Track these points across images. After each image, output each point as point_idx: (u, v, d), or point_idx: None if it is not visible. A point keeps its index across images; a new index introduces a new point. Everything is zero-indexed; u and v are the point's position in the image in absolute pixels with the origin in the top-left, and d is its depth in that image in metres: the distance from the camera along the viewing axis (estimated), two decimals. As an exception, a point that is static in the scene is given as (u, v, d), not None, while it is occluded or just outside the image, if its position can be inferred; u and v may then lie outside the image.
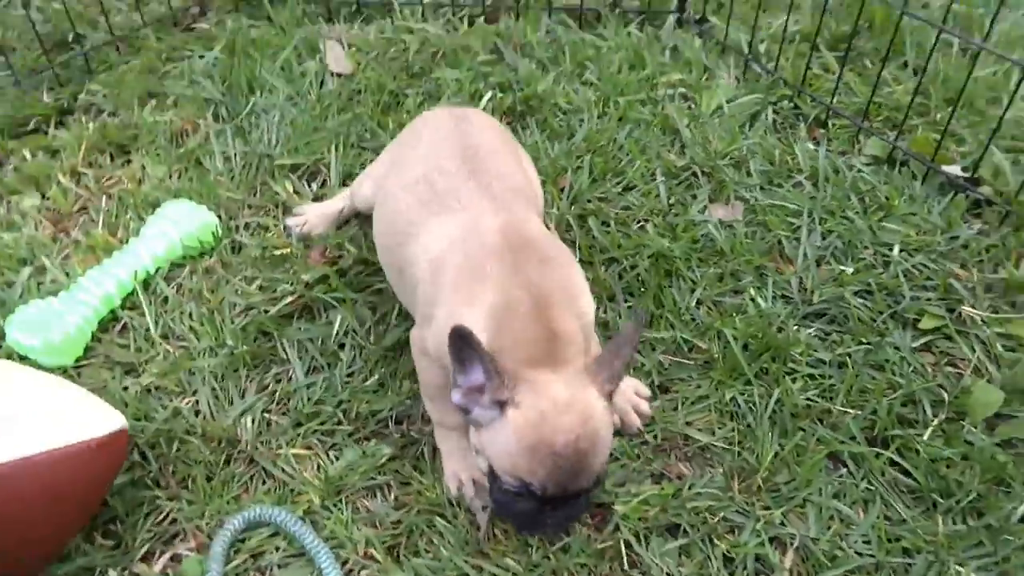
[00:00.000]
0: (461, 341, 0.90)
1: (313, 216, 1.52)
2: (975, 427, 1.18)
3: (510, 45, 1.99)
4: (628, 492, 1.13)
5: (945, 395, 1.22)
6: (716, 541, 1.08)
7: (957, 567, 1.03)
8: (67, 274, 1.43)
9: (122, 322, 1.37)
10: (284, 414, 1.25)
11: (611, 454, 1.16)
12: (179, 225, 1.46)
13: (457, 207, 1.12)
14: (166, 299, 1.40)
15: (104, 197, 1.59)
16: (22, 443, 0.93)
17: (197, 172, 1.65)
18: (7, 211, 1.56)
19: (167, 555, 1.09)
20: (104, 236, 1.50)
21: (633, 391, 1.22)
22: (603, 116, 1.76)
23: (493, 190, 1.13)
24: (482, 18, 2.08)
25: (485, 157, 1.19)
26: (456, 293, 1.03)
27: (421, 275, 1.11)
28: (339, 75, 1.91)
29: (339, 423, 1.23)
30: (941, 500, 1.11)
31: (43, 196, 1.60)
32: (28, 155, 1.67)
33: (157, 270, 1.43)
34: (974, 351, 1.28)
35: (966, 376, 1.25)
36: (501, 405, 0.93)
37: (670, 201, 1.56)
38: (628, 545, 1.08)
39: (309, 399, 1.25)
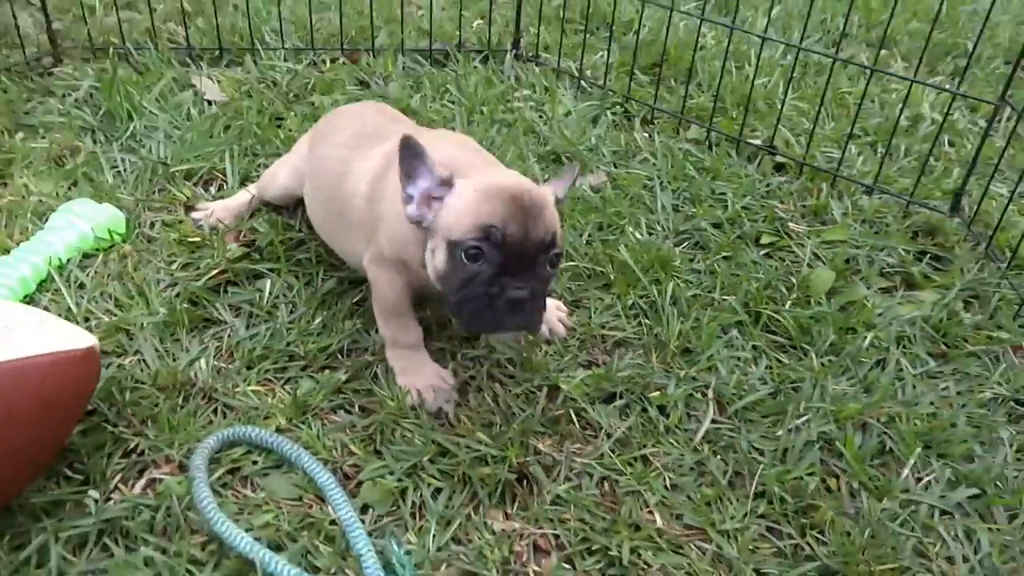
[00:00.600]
0: (408, 151, 1.08)
1: (219, 209, 1.59)
2: (820, 299, 1.48)
3: (374, 76, 2.20)
4: (567, 375, 1.29)
5: (793, 280, 1.52)
6: (648, 397, 1.26)
7: (833, 386, 1.29)
8: (-31, 268, 1.39)
9: (42, 304, 1.35)
10: (232, 361, 1.29)
11: (548, 341, 1.33)
12: (87, 218, 1.48)
13: (387, 138, 1.28)
14: (83, 284, 1.40)
15: (-8, 207, 1.56)
16: (21, 346, 0.95)
17: (89, 183, 1.66)
18: None
19: (141, 482, 1.09)
20: (2, 237, 1.47)
21: (555, 307, 1.41)
22: (471, 122, 2.00)
23: (415, 130, 1.32)
24: (343, 59, 2.28)
25: (406, 121, 1.38)
26: (397, 196, 1.16)
27: (360, 201, 1.26)
28: (215, 103, 2.01)
29: (290, 360, 1.29)
30: (809, 347, 1.38)
31: (-81, 212, 1.54)
32: None
33: (69, 259, 1.43)
34: (805, 252, 1.60)
35: (803, 268, 1.57)
36: (450, 184, 1.11)
37: (545, 177, 1.80)
38: (577, 413, 1.24)
39: (255, 346, 1.31)
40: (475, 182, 1.11)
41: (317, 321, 1.36)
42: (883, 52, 2.63)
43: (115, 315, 1.34)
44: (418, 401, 1.23)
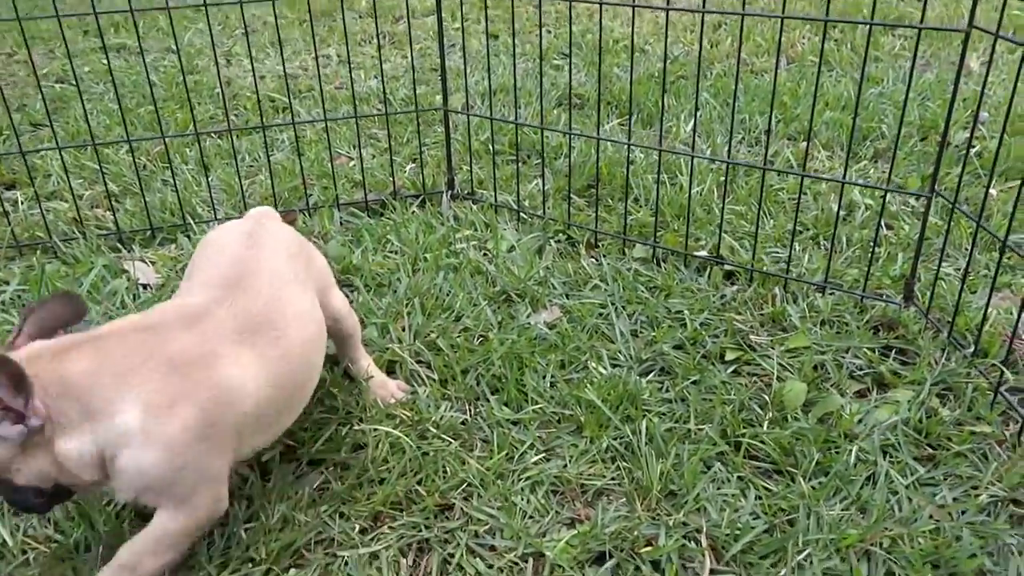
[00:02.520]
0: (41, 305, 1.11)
1: None
2: (796, 414, 1.44)
3: (313, 236, 2.17)
4: (551, 538, 1.21)
5: (766, 398, 1.48)
6: (639, 553, 1.18)
7: (828, 512, 1.23)
8: None
9: (-31, 543, 1.23)
10: (191, 573, 1.18)
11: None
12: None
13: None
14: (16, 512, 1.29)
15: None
16: None
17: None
18: None
19: None
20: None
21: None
22: (416, 271, 1.97)
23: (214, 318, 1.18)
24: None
25: (256, 282, 1.25)
26: None
27: None
28: (150, 286, 1.95)
29: (253, 564, 1.19)
30: (795, 470, 1.33)
31: None
32: None
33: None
34: (772, 365, 1.57)
35: (773, 382, 1.53)
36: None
37: (498, 319, 1.76)
38: (568, 583, 1.15)
39: (212, 556, 1.20)
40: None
41: (276, 516, 1.26)
42: (804, 144, 2.73)
43: (56, 542, 1.22)
44: None
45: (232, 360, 1.13)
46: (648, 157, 2.60)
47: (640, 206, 2.32)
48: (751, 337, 1.67)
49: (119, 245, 2.13)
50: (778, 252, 2.02)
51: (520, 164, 2.61)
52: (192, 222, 2.20)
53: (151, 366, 1.06)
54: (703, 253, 2.00)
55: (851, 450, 1.34)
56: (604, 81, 3.48)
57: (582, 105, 3.19)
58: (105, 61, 3.58)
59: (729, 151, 1.98)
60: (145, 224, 2.19)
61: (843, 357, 1.59)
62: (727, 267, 1.93)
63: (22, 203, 2.36)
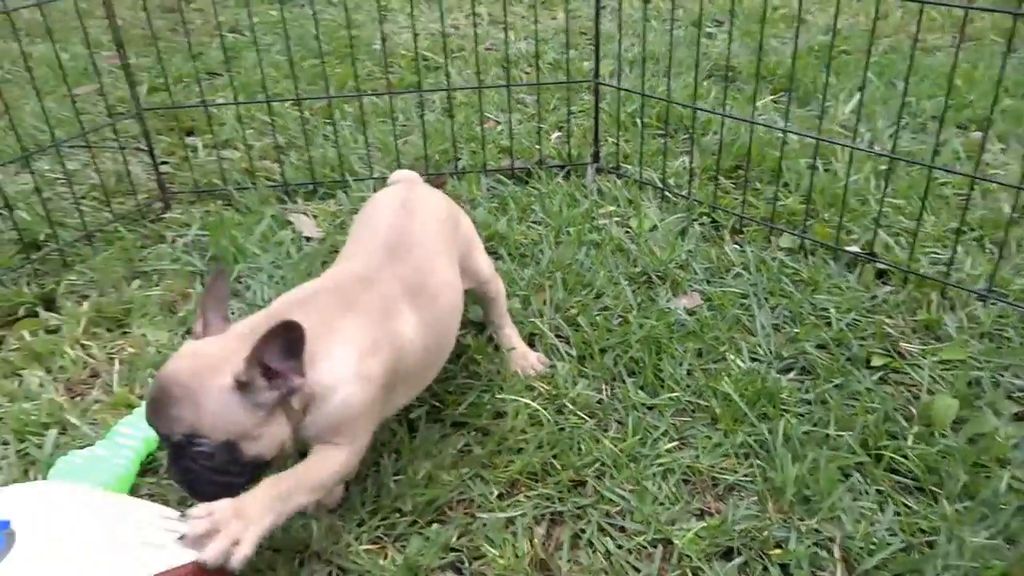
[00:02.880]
0: (215, 277, 1.15)
1: None
2: (944, 431, 1.39)
3: (460, 201, 2.25)
4: (680, 527, 1.25)
5: (913, 410, 1.44)
6: (768, 554, 1.20)
7: (971, 538, 1.20)
8: (96, 429, 1.46)
9: (162, 463, 1.40)
10: (344, 518, 1.30)
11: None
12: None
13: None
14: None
15: (115, 362, 1.64)
16: (156, 560, 0.95)
17: (199, 331, 1.74)
18: (18, 385, 1.58)
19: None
20: (124, 392, 1.54)
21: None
22: (559, 244, 2.01)
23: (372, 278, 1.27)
24: (428, 184, 2.35)
25: (412, 250, 1.33)
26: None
27: None
28: (312, 239, 2.09)
29: (400, 515, 1.29)
30: (939, 490, 1.30)
31: (48, 370, 1.63)
32: (26, 335, 1.71)
33: (185, 415, 1.48)
34: (923, 376, 1.52)
35: (922, 395, 1.49)
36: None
37: (638, 300, 1.79)
38: (694, 573, 1.19)
39: (364, 501, 1.31)
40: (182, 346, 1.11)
41: (422, 473, 1.36)
42: (977, 134, 2.55)
43: (229, 474, 1.37)
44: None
45: (404, 317, 1.23)
46: (803, 141, 2.51)
47: (790, 192, 2.26)
48: (901, 344, 1.61)
49: (284, 197, 2.29)
50: (938, 253, 1.92)
51: (667, 138, 2.58)
52: (350, 179, 2.33)
53: (351, 317, 1.17)
54: (855, 248, 1.93)
55: (1003, 476, 1.29)
56: (760, 53, 3.35)
57: (734, 78, 3.10)
58: (274, 12, 3.78)
59: (895, 146, 1.89)
60: (308, 178, 2.33)
61: (1002, 375, 1.52)
62: (880, 265, 1.87)
63: (201, 150, 2.57)
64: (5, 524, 0.89)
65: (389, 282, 1.26)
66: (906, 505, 1.28)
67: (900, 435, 1.40)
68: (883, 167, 2.28)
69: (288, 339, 1.03)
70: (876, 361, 1.58)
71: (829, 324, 1.69)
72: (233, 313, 1.78)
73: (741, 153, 2.39)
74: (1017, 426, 1.40)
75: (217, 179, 2.34)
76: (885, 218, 2.09)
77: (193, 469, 1.06)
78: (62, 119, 2.67)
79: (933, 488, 1.30)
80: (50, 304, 1.84)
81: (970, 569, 1.15)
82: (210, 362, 1.05)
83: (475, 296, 1.60)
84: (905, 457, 1.34)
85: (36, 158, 2.45)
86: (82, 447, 1.39)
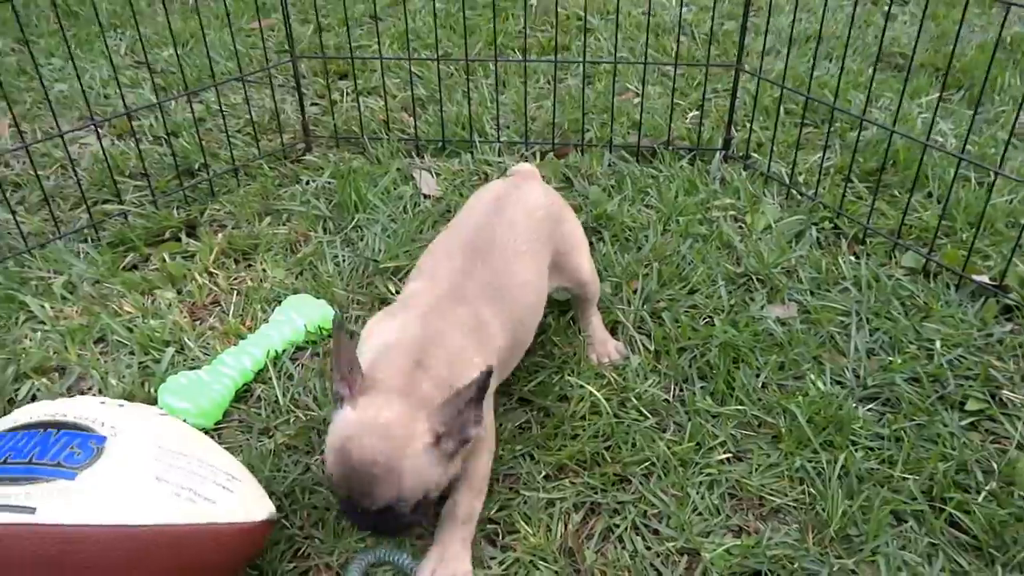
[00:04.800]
0: (338, 332, 1.10)
1: None
2: (1023, 494, 1.30)
3: (578, 175, 2.27)
4: (713, 542, 1.26)
5: (994, 465, 1.36)
6: (796, 585, 1.19)
7: (1020, 611, 1.14)
8: (206, 353, 1.64)
9: (255, 393, 1.56)
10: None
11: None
12: (302, 313, 1.69)
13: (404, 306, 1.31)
14: (291, 375, 1.60)
15: (234, 293, 1.83)
16: (197, 510, 1.05)
17: (312, 274, 1.89)
18: (151, 302, 1.80)
19: (303, 586, 1.23)
20: (236, 323, 1.72)
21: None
22: (665, 232, 2.00)
23: (445, 288, 1.30)
24: (552, 154, 2.38)
25: (489, 259, 1.35)
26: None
27: None
28: (430, 197, 2.19)
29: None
30: (998, 554, 1.23)
31: (179, 292, 1.84)
32: (166, 257, 1.93)
33: (284, 351, 1.64)
34: (1016, 429, 1.42)
35: (1011, 450, 1.39)
36: (340, 400, 1.12)
37: (731, 302, 1.76)
38: (716, 588, 1.20)
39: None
40: (345, 422, 1.10)
41: (479, 442, 1.44)
42: None
43: (311, 411, 1.51)
44: None
45: (490, 325, 1.29)
46: (959, 144, 2.31)
47: (931, 203, 2.11)
48: (1004, 391, 1.50)
49: (415, 151, 2.40)
50: (1082, 296, 1.75)
51: (809, 130, 2.46)
52: (478, 140, 2.40)
53: (471, 344, 1.23)
54: (983, 278, 1.79)
55: (1076, 555, 1.20)
56: (937, 42, 3.09)
57: (903, 67, 2.87)
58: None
59: (1048, 172, 1.71)
60: (439, 135, 2.42)
61: (1110, 446, 1.39)
62: (1008, 301, 1.72)
63: (346, 96, 2.72)
64: (101, 439, 1.05)
65: (472, 291, 1.31)
66: (957, 563, 1.22)
67: (972, 489, 1.32)
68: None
69: (481, 388, 1.08)
70: (971, 405, 1.48)
71: (931, 357, 1.59)
72: (344, 261, 1.92)
73: (890, 155, 2.24)
74: (1111, 504, 1.29)
75: (357, 127, 2.47)
76: (1030, 247, 1.91)
77: (387, 522, 1.13)
78: (240, 51, 2.90)
79: (992, 551, 1.23)
80: (192, 230, 2.06)
81: (1005, 646, 1.10)
82: (402, 434, 1.08)
83: (571, 293, 1.62)
84: (969, 513, 1.27)
85: (207, 89, 2.69)
86: (191, 368, 1.57)
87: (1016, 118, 1.74)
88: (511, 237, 1.40)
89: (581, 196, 2.16)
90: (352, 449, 1.07)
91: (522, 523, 1.30)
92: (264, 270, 1.91)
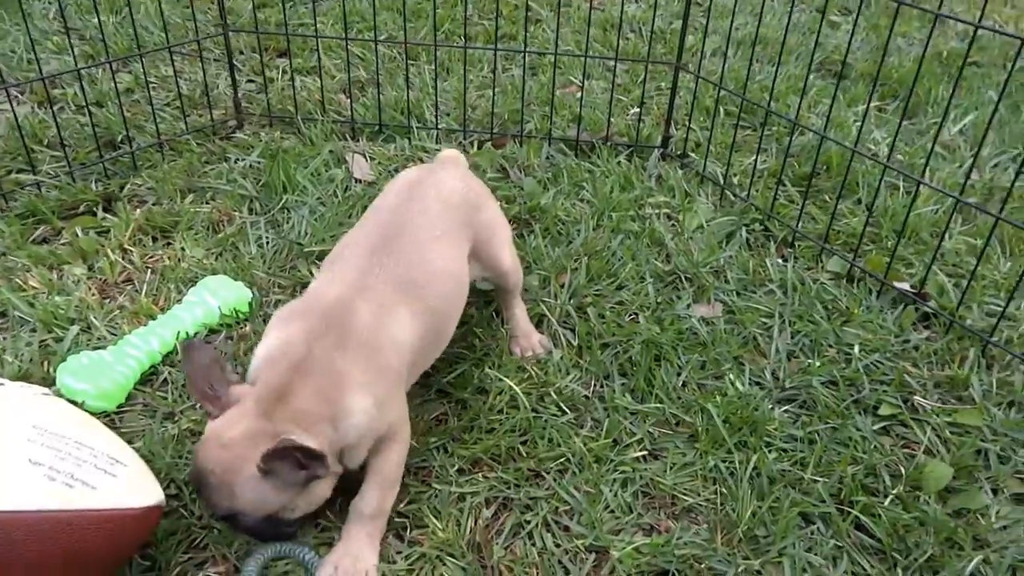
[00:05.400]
0: (190, 352, 1.14)
1: None
2: (929, 498, 1.32)
3: (515, 166, 2.24)
4: (623, 540, 1.25)
5: (902, 469, 1.38)
6: (702, 585, 1.19)
7: (916, 614, 1.15)
8: (113, 333, 1.57)
9: (162, 376, 1.50)
10: (308, 463, 1.36)
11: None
12: (218, 295, 1.62)
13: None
14: (202, 360, 1.53)
15: (148, 271, 1.75)
16: (79, 495, 1.00)
17: (233, 255, 1.82)
18: (59, 278, 1.71)
19: (198, 577, 1.18)
20: (148, 303, 1.65)
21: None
22: (598, 227, 1.98)
23: (354, 269, 1.27)
24: (490, 143, 2.35)
25: (397, 236, 1.32)
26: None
27: None
28: (362, 181, 2.14)
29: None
30: (900, 558, 1.24)
31: (90, 268, 1.76)
32: (79, 232, 1.84)
33: (196, 333, 1.58)
34: (926, 434, 1.44)
35: (919, 455, 1.41)
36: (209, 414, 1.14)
37: (658, 300, 1.75)
38: (623, 587, 1.19)
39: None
40: (211, 421, 1.13)
41: (393, 434, 1.40)
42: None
43: (219, 398, 1.45)
44: None
45: (398, 317, 1.24)
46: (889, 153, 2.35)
47: (860, 210, 2.14)
48: (916, 397, 1.53)
49: (350, 134, 2.34)
50: (997, 305, 1.79)
51: (745, 131, 2.48)
52: (416, 126, 2.35)
53: (351, 357, 1.17)
54: (904, 285, 1.82)
55: (974, 558, 1.22)
56: (876, 52, 3.14)
57: (844, 75, 2.91)
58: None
59: (964, 185, 1.74)
60: (376, 119, 2.37)
61: (1016, 451, 1.42)
62: (926, 308, 1.76)
63: (283, 75, 2.64)
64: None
65: (377, 284, 1.25)
66: (859, 566, 1.23)
67: (880, 492, 1.34)
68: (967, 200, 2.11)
69: (295, 459, 1.08)
70: (884, 410, 1.50)
71: (849, 361, 1.61)
72: (268, 243, 1.86)
73: (823, 160, 2.27)
74: (1013, 508, 1.32)
75: (291, 106, 2.40)
76: (954, 256, 1.95)
77: (246, 527, 1.15)
78: (174, 23, 2.79)
79: (895, 554, 1.24)
80: (109, 205, 1.97)
81: (899, 648, 1.11)
82: (236, 452, 1.08)
83: (492, 282, 1.59)
84: (876, 516, 1.29)
85: (135, 59, 2.58)
86: (95, 349, 1.50)
87: (939, 129, 1.77)
88: (424, 223, 1.36)
89: (516, 187, 2.13)
90: (197, 454, 1.10)
91: (431, 517, 1.27)
92: (183, 249, 1.84)
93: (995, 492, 1.35)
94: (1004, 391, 1.55)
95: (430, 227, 1.36)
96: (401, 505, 1.29)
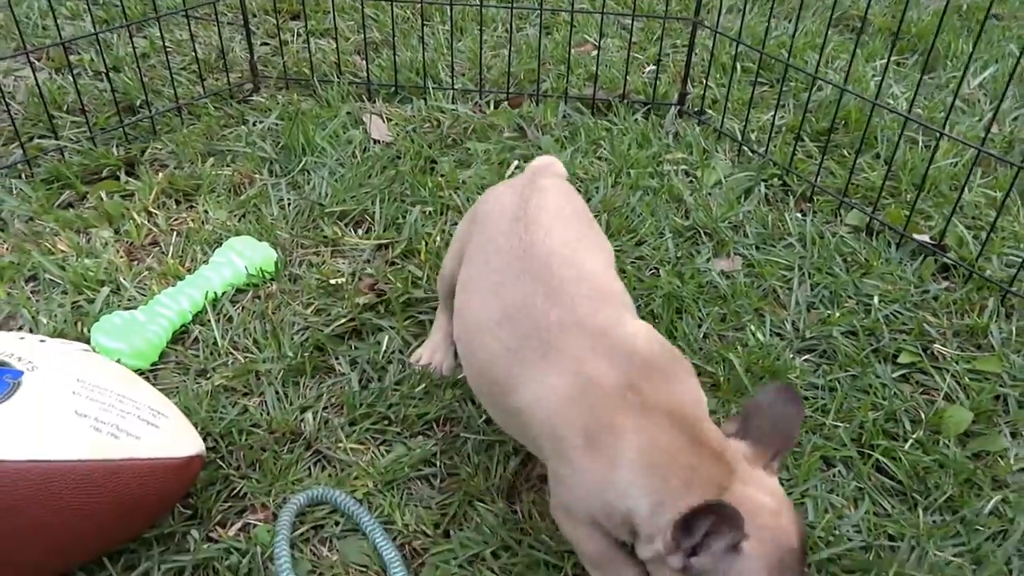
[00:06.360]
0: (692, 520, 0.88)
1: (428, 356, 1.47)
2: (948, 441, 1.35)
3: (532, 125, 2.25)
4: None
5: (922, 415, 1.40)
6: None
7: (936, 552, 1.18)
8: (142, 293, 1.60)
9: (193, 335, 1.53)
10: (340, 415, 1.40)
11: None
12: (244, 255, 1.65)
13: (552, 352, 1.04)
14: (231, 317, 1.57)
15: (174, 234, 1.78)
16: (123, 445, 1.03)
17: (255, 216, 1.84)
18: (87, 241, 1.74)
19: (238, 524, 1.21)
20: (175, 264, 1.67)
21: None
22: (616, 184, 1.99)
23: (579, 313, 1.06)
24: (506, 103, 2.35)
25: (558, 269, 1.11)
26: (593, 455, 0.98)
27: (539, 429, 1.04)
28: (380, 142, 2.15)
29: (389, 423, 1.38)
30: (920, 498, 1.27)
31: (116, 231, 1.78)
32: (104, 196, 1.87)
33: (224, 293, 1.60)
34: (945, 381, 1.46)
35: (939, 401, 1.43)
36: (738, 550, 0.90)
37: (678, 255, 1.77)
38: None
39: (362, 403, 1.40)
40: (762, 543, 0.90)
41: (421, 386, 1.43)
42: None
43: (251, 354, 1.49)
44: None
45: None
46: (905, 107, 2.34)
47: (879, 164, 2.14)
48: (936, 345, 1.54)
49: (366, 96, 2.34)
50: (1017, 256, 1.79)
51: (763, 88, 2.46)
52: (431, 87, 2.35)
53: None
54: (924, 237, 1.83)
55: (992, 498, 1.25)
56: (895, 6, 3.10)
57: (862, 30, 2.88)
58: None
59: (984, 138, 1.74)
60: (392, 80, 2.37)
61: (1032, 398, 1.44)
62: (946, 260, 1.76)
63: (297, 37, 2.63)
64: (17, 374, 1.02)
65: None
66: (882, 507, 1.26)
67: (899, 437, 1.36)
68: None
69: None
70: (903, 358, 1.52)
71: (868, 311, 1.63)
72: (289, 204, 1.88)
73: (842, 115, 2.26)
74: (1029, 452, 1.34)
75: (307, 68, 2.40)
76: (973, 209, 1.96)
77: None
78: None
79: (915, 495, 1.27)
80: (132, 169, 1.99)
81: (921, 583, 1.14)
82: None
83: None
84: (896, 459, 1.31)
85: (151, 24, 2.58)
86: (126, 309, 1.53)
87: (959, 83, 1.76)
88: (555, 247, 1.16)
89: (534, 146, 2.14)
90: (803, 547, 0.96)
91: (462, 465, 1.31)
92: (206, 211, 1.86)
93: (1013, 436, 1.37)
94: (1023, 339, 1.56)
95: (580, 240, 1.20)
96: (432, 454, 1.32)
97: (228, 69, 2.35)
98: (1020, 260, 1.69)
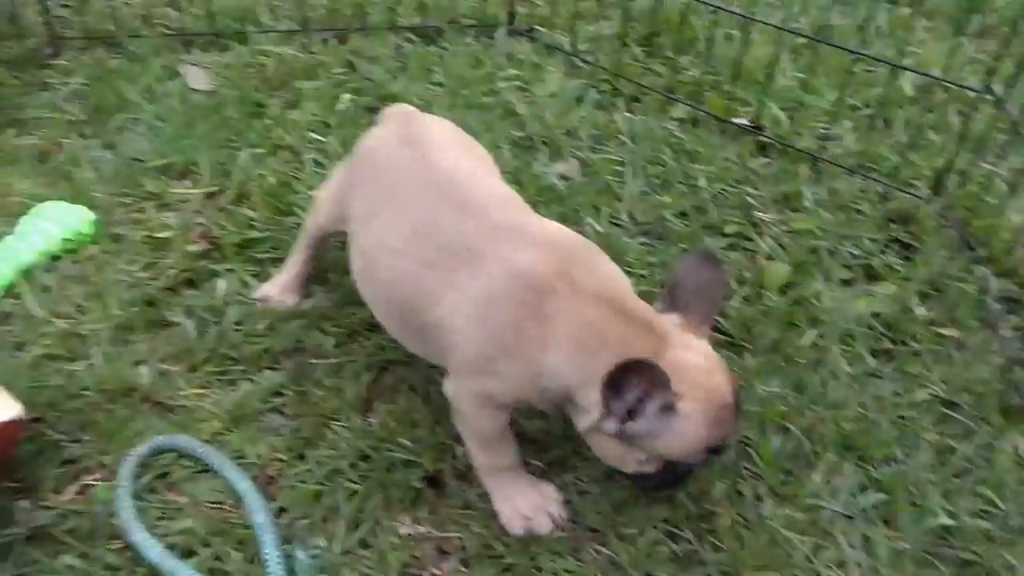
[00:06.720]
0: (620, 378, 0.92)
1: (276, 293, 1.44)
2: (771, 294, 1.44)
3: (362, 59, 2.19)
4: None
5: (747, 275, 1.48)
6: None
7: (763, 388, 1.27)
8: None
9: (5, 311, 1.42)
10: (178, 364, 1.34)
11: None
12: (58, 222, 1.54)
13: (472, 255, 1.05)
14: (46, 288, 1.47)
15: (-29, 209, 1.64)
16: None
17: (67, 183, 1.72)
18: None
19: (74, 488, 1.16)
20: (-27, 242, 1.55)
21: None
22: (452, 108, 1.98)
23: (493, 219, 1.08)
24: (334, 39, 2.28)
25: (463, 182, 1.14)
26: (525, 344, 1.00)
27: (461, 337, 1.05)
28: (201, 92, 2.04)
29: (233, 362, 1.34)
30: (747, 345, 1.35)
31: (-91, 211, 1.63)
32: None
33: (36, 263, 1.50)
34: (765, 243, 1.56)
35: (760, 260, 1.52)
36: (670, 407, 0.96)
37: (515, 164, 1.78)
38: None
39: (202, 348, 1.35)
40: (696, 401, 0.97)
41: (265, 322, 1.40)
42: (906, 9, 2.48)
43: (72, 319, 1.40)
44: (526, 529, 1.11)
45: None
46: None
47: (700, 62, 2.21)
48: (757, 213, 1.63)
49: (180, 47, 2.21)
50: (826, 128, 1.91)
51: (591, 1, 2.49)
52: (253, 31, 2.24)
53: None
54: (743, 120, 1.92)
55: (811, 335, 1.34)
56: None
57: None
58: None
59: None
60: (209, 27, 2.24)
61: (841, 244, 1.55)
62: (763, 138, 1.86)
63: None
64: None
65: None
66: (716, 361, 1.33)
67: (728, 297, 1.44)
68: (799, 40, 2.21)
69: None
70: (729, 229, 1.60)
71: (696, 193, 1.70)
72: (104, 164, 1.77)
73: (663, 19, 2.31)
74: (841, 291, 1.45)
75: (112, 24, 2.25)
76: (787, 92, 2.06)
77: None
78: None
79: (743, 343, 1.35)
80: (-80, 149, 1.82)
81: (753, 414, 1.22)
82: None
83: None
84: (726, 316, 1.39)
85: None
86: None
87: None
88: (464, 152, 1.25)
89: (366, 79, 2.09)
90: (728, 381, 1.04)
91: (313, 389, 1.29)
92: (9, 183, 1.72)
93: (827, 279, 1.48)
94: (832, 198, 1.68)
95: (477, 158, 1.26)
96: (280, 384, 1.29)
97: (22, 35, 2.17)
98: (827, 131, 1.81)
